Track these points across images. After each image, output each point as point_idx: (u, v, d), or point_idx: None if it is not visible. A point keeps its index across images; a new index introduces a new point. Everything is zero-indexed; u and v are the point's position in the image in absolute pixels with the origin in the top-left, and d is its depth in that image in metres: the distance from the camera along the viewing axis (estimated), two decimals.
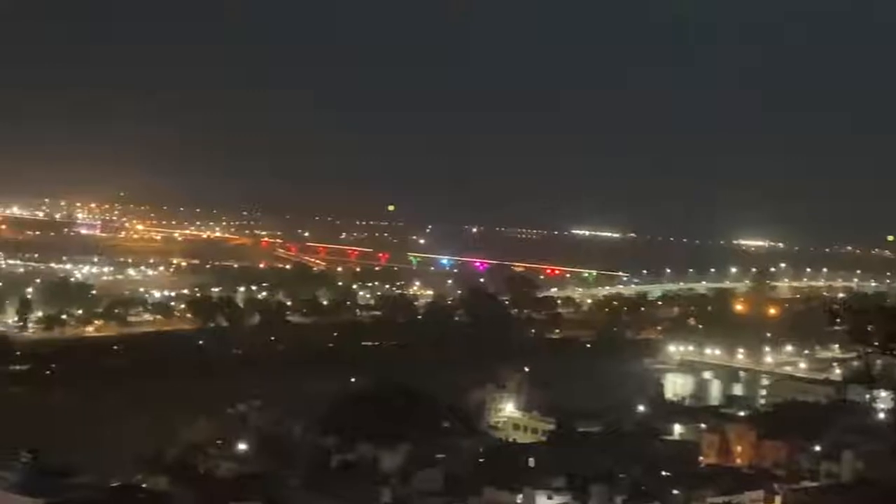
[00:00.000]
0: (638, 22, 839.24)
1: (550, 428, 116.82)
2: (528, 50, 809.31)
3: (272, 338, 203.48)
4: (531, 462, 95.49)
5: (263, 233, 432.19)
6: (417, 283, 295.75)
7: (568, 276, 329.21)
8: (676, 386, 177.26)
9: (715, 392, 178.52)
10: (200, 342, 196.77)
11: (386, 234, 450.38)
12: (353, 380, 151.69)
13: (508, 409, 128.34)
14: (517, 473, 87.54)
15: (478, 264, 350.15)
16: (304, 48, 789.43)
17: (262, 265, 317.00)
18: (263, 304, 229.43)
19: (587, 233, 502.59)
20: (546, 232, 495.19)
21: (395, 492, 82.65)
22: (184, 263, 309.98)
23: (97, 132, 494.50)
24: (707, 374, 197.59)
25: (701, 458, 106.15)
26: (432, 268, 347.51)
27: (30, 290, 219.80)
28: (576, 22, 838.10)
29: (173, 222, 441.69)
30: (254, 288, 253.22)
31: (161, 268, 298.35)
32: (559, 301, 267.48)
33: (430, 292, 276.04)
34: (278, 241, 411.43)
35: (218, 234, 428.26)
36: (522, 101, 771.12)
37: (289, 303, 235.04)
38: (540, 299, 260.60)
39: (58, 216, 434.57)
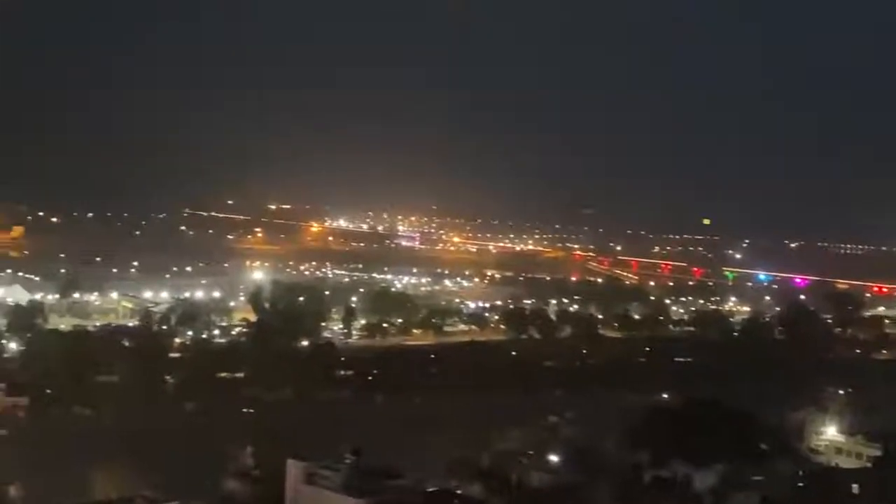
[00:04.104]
0: None
1: (877, 454, 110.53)
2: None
3: (584, 351, 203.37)
4: (854, 488, 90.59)
5: (576, 246, 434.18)
6: (733, 299, 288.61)
7: None
8: None
9: None
10: (513, 353, 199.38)
11: (700, 249, 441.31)
12: (665, 396, 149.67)
13: (830, 432, 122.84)
14: (839, 499, 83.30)
15: (798, 280, 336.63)
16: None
17: (573, 278, 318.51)
18: (575, 317, 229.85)
19: None
20: (873, 247, 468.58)
21: None
22: (497, 275, 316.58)
23: (420, 144, 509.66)
24: None
25: None
26: (749, 283, 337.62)
27: (354, 299, 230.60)
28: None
29: (487, 235, 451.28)
30: (565, 300, 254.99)
31: (475, 279, 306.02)
32: (887, 320, 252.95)
33: (746, 308, 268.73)
34: (590, 254, 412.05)
35: (531, 246, 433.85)
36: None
37: (600, 316, 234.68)
38: (866, 318, 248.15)
39: (380, 228, 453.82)
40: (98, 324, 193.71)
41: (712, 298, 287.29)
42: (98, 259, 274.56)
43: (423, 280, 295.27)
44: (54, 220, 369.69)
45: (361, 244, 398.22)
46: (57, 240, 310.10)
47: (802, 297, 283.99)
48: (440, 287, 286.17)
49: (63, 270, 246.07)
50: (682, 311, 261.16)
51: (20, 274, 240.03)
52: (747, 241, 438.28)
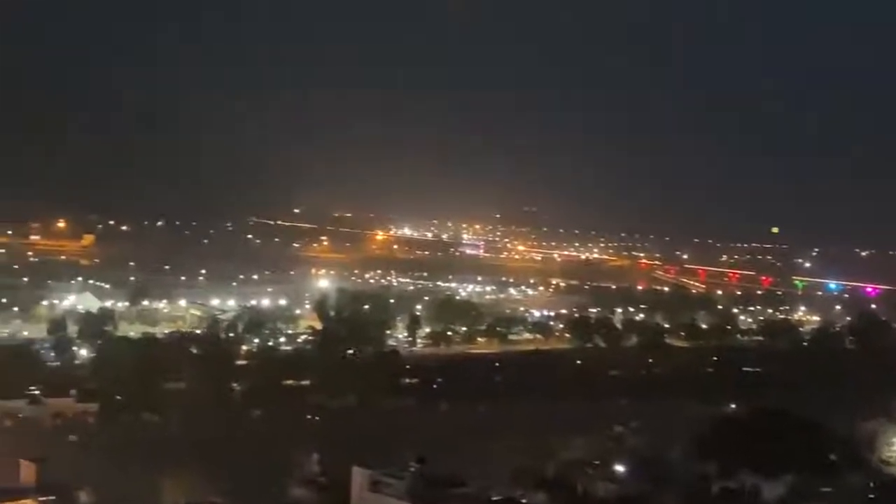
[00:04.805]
0: None
1: None
2: None
3: (650, 360, 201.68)
4: None
5: (641, 254, 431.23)
6: (802, 309, 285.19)
7: None
8: None
9: None
10: (578, 362, 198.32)
11: (768, 257, 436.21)
12: (733, 406, 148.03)
13: None
14: None
15: (869, 290, 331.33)
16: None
17: (639, 287, 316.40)
18: (641, 326, 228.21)
19: None
20: None
21: None
22: (562, 284, 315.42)
23: (486, 151, 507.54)
24: None
25: None
26: (819, 292, 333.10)
27: (419, 307, 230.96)
28: None
29: (552, 243, 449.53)
30: (631, 309, 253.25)
31: (540, 288, 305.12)
32: None
33: (816, 318, 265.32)
34: (656, 263, 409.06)
35: (596, 255, 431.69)
36: None
37: (667, 325, 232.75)
38: None
39: (444, 236, 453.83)
40: (166, 331, 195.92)
41: (781, 308, 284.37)
42: (167, 267, 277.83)
43: (488, 288, 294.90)
44: (124, 228, 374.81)
45: (426, 252, 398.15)
46: (127, 248, 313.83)
47: (874, 306, 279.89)
48: (505, 295, 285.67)
49: (132, 278, 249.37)
50: (750, 320, 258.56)
51: (91, 282, 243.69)
52: (817, 249, 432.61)
